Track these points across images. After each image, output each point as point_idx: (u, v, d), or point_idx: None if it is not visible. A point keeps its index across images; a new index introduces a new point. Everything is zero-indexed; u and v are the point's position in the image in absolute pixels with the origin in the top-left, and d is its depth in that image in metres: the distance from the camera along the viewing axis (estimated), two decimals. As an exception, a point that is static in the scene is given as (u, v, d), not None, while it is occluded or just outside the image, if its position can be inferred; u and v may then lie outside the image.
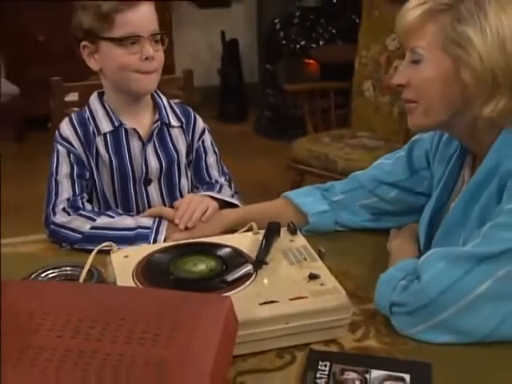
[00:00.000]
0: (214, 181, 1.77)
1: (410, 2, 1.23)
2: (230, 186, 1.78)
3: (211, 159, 1.79)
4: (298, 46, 4.38)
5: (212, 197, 1.60)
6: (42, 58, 3.99)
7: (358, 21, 3.58)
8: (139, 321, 1.00)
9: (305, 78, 4.18)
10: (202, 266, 1.24)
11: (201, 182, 1.77)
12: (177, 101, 2.68)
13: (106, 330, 0.99)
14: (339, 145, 3.17)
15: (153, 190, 1.70)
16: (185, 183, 1.75)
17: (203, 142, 1.79)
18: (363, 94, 3.42)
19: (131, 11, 1.52)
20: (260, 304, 1.14)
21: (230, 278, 1.18)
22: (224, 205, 1.62)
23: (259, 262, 1.22)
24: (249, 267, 1.20)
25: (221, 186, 1.74)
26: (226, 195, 1.68)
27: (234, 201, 1.66)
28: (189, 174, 1.77)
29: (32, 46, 4.17)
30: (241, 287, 1.17)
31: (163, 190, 1.71)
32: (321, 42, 4.34)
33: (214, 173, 1.78)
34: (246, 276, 1.19)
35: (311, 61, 4.28)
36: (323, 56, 4.18)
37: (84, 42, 1.58)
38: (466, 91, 1.19)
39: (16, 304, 1.04)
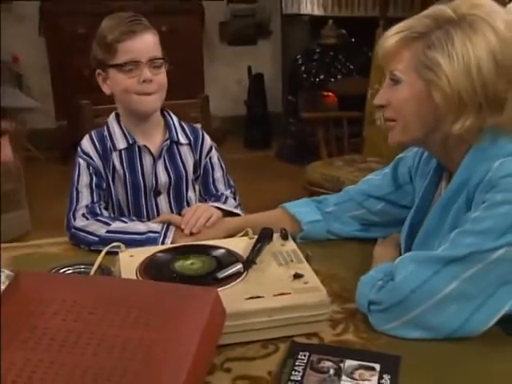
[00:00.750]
0: (220, 193, 1.79)
1: (389, 31, 1.27)
2: (234, 198, 1.80)
3: (218, 174, 1.82)
4: (317, 80, 4.42)
5: (217, 207, 1.63)
6: (85, 88, 4.13)
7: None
8: (134, 308, 1.04)
9: (323, 109, 4.20)
10: (198, 264, 1.27)
11: (208, 194, 1.80)
12: (198, 125, 2.74)
13: (104, 315, 1.03)
14: (350, 169, 3.18)
15: (162, 201, 1.73)
16: (192, 195, 1.77)
17: (210, 158, 1.81)
18: (374, 122, 3.44)
19: (131, 40, 1.59)
20: (246, 298, 1.17)
21: (221, 275, 1.21)
22: (228, 214, 1.64)
23: (249, 262, 1.25)
24: (239, 266, 1.23)
25: (226, 198, 1.76)
26: (230, 206, 1.71)
27: (237, 211, 1.68)
28: (196, 187, 1.80)
29: (78, 79, 4.30)
30: (231, 284, 1.20)
31: (171, 202, 1.74)
32: (338, 76, 4.37)
33: (221, 186, 1.81)
34: (237, 274, 1.22)
35: (329, 93, 4.31)
36: (340, 88, 4.21)
37: (98, 70, 1.65)
38: (437, 110, 1.22)
39: (28, 291, 1.09)
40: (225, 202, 1.73)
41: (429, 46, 1.20)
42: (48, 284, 1.10)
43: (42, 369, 0.95)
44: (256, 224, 1.47)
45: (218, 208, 1.62)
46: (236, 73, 4.99)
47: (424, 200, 1.38)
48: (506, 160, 1.20)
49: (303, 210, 1.57)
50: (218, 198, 1.76)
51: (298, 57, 4.55)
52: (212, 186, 1.80)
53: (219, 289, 1.17)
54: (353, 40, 4.51)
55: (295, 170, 4.08)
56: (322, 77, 4.41)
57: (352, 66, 4.36)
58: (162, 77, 1.65)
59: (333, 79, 4.38)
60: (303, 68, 4.48)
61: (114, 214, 1.70)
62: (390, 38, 1.26)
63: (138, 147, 1.70)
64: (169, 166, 1.73)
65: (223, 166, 1.85)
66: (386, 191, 1.52)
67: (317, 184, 3.20)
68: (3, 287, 1.13)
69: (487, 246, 1.14)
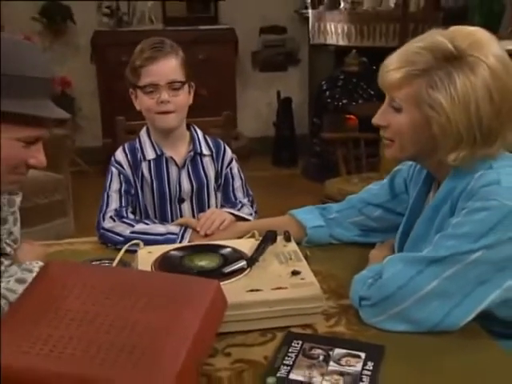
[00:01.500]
0: (238, 201, 1.81)
1: (390, 64, 1.25)
2: (251, 206, 1.82)
3: (237, 183, 1.84)
4: (340, 103, 4.44)
5: (230, 212, 1.66)
6: (128, 108, 4.23)
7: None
8: (144, 294, 1.08)
9: (345, 130, 4.21)
10: (206, 261, 1.31)
11: (228, 201, 1.82)
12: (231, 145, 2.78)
13: (118, 300, 1.07)
14: (365, 185, 3.18)
15: (185, 207, 1.77)
16: (213, 202, 1.80)
17: (231, 169, 1.84)
18: None
19: (152, 65, 1.64)
20: (247, 291, 1.20)
21: (226, 270, 1.25)
22: (241, 220, 1.67)
23: (252, 260, 1.29)
24: (243, 263, 1.27)
25: (242, 205, 1.79)
26: (244, 213, 1.73)
27: (249, 217, 1.71)
28: (218, 194, 1.82)
29: (121, 101, 4.40)
30: (235, 278, 1.24)
31: (194, 208, 1.77)
32: (360, 101, 4.39)
33: (239, 194, 1.83)
34: (241, 270, 1.26)
35: (351, 116, 4.33)
36: (361, 112, 4.22)
37: (130, 90, 1.72)
38: (434, 140, 1.23)
39: (54, 278, 1.14)
40: (240, 209, 1.75)
41: (431, 85, 1.20)
42: (71, 272, 1.15)
43: (62, 343, 1.00)
44: (265, 228, 1.49)
45: (232, 213, 1.66)
46: (266, 97, 5.03)
47: (415, 208, 1.40)
48: (486, 172, 1.22)
49: (308, 216, 1.59)
50: (233, 205, 1.78)
51: (323, 83, 4.58)
52: (232, 194, 1.83)
53: (224, 282, 1.21)
54: (374, 68, 4.53)
55: (318, 186, 4.08)
56: (344, 101, 4.43)
57: (372, 92, 4.37)
58: (180, 98, 1.68)
59: (354, 103, 4.39)
60: (328, 93, 4.51)
61: (141, 217, 1.73)
62: (392, 72, 1.24)
63: (165, 158, 1.75)
64: (192, 175, 1.76)
65: (242, 177, 1.87)
66: (384, 199, 1.55)
67: (333, 198, 3.21)
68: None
69: (466, 248, 1.16)
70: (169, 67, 1.67)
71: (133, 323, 1.03)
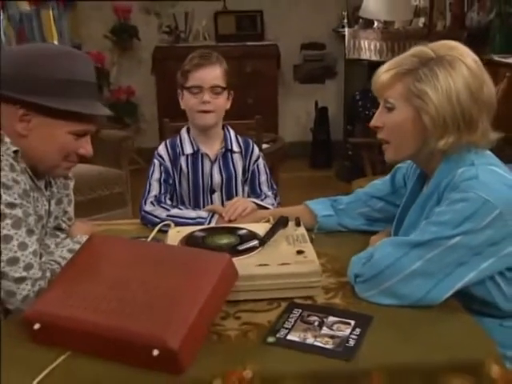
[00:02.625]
0: (263, 194, 1.87)
1: (382, 69, 1.32)
2: (274, 198, 1.87)
3: (263, 178, 1.89)
4: (371, 113, 4.43)
5: (253, 201, 1.72)
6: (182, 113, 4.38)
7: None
8: (167, 263, 1.16)
9: (375, 137, 4.22)
10: (225, 240, 1.37)
11: (254, 193, 1.87)
12: (266, 146, 2.84)
13: (146, 267, 1.15)
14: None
15: (216, 197, 1.83)
16: (240, 193, 1.85)
17: (257, 165, 1.89)
18: None
19: (198, 71, 1.74)
20: (256, 265, 1.26)
21: (241, 247, 1.32)
22: (262, 209, 1.72)
23: (263, 240, 1.34)
24: (255, 242, 1.33)
25: (266, 197, 1.84)
26: (267, 203, 1.78)
27: (270, 206, 1.76)
28: (245, 187, 1.88)
29: (177, 107, 4.52)
30: (247, 255, 1.30)
31: (223, 198, 1.83)
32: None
33: (264, 188, 1.88)
34: (253, 248, 1.32)
35: (381, 124, 4.33)
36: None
37: (178, 90, 1.81)
38: (425, 131, 1.28)
39: (97, 248, 1.23)
40: (263, 200, 1.80)
41: (417, 79, 1.26)
42: (109, 244, 1.24)
43: (98, 300, 1.10)
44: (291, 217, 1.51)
45: (255, 203, 1.71)
46: (305, 106, 5.06)
47: (408, 200, 1.44)
48: (467, 168, 1.26)
49: (320, 206, 1.63)
50: (258, 196, 1.84)
51: (357, 93, 4.58)
52: (257, 187, 1.88)
53: (238, 257, 1.27)
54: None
55: (349, 187, 4.12)
56: (374, 110, 4.41)
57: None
58: (219, 101, 1.76)
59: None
60: (360, 103, 4.51)
61: (177, 204, 1.80)
62: (384, 73, 1.31)
63: (201, 153, 1.82)
64: (222, 169, 1.83)
65: (267, 172, 1.92)
66: (386, 193, 1.58)
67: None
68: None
69: (446, 233, 1.20)
70: (213, 74, 1.75)
71: (155, 286, 1.11)
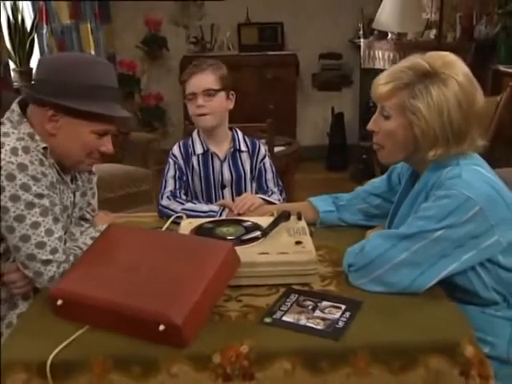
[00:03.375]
0: (269, 190, 1.90)
1: (381, 79, 1.34)
2: (280, 194, 1.90)
3: (269, 176, 1.92)
4: (384, 119, 4.45)
5: (261, 197, 1.76)
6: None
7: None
8: (175, 249, 1.22)
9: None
10: (231, 230, 1.42)
11: (261, 190, 1.91)
12: (282, 149, 2.86)
13: (157, 253, 1.21)
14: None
15: (226, 192, 1.88)
16: (249, 190, 1.90)
17: (264, 163, 1.92)
18: None
19: (191, 79, 1.79)
20: (258, 254, 1.31)
21: (244, 237, 1.36)
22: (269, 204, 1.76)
23: (265, 231, 1.39)
24: (257, 233, 1.38)
25: (272, 193, 1.88)
26: (273, 199, 1.82)
27: (276, 202, 1.80)
28: (253, 184, 1.92)
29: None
30: (250, 244, 1.35)
31: (233, 193, 1.88)
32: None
33: (271, 185, 1.92)
34: (256, 238, 1.37)
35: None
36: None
37: (185, 100, 1.86)
38: (416, 141, 1.31)
39: (112, 236, 1.30)
40: (270, 196, 1.84)
41: (412, 96, 1.28)
42: (125, 232, 1.31)
43: (111, 281, 1.17)
44: (293, 212, 1.55)
45: (262, 198, 1.76)
46: (323, 112, 5.08)
47: (401, 196, 1.47)
48: (452, 168, 1.29)
49: (322, 202, 1.66)
50: (265, 192, 1.88)
51: (371, 100, 4.56)
52: (264, 184, 1.92)
53: (242, 246, 1.32)
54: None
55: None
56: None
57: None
58: (214, 103, 1.78)
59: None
60: (373, 109, 4.51)
61: (191, 199, 1.85)
62: (383, 85, 1.33)
63: (211, 153, 1.87)
64: (231, 167, 1.88)
65: (273, 170, 1.95)
66: (382, 190, 1.61)
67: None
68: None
69: (430, 227, 1.24)
70: (204, 79, 1.78)
71: (164, 270, 1.17)
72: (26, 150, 1.30)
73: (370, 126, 1.40)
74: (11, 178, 1.26)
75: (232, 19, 4.87)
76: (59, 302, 1.17)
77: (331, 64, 5.05)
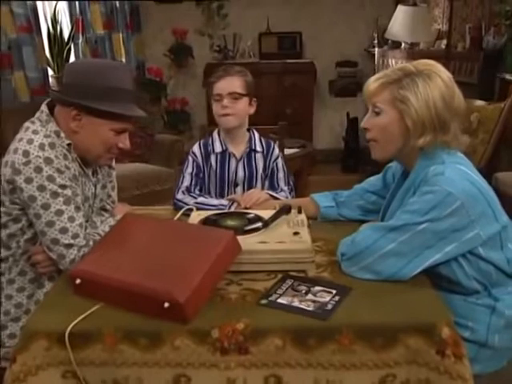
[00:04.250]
0: (280, 188, 1.95)
1: (371, 80, 1.41)
2: (290, 193, 1.95)
3: (280, 175, 1.98)
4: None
5: (270, 194, 1.81)
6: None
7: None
8: (181, 236, 1.29)
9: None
10: (235, 222, 1.48)
11: (272, 187, 1.96)
12: (296, 151, 2.89)
13: (164, 238, 1.28)
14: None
15: (239, 189, 1.93)
16: (259, 187, 1.94)
17: (276, 163, 1.97)
18: None
19: (219, 82, 1.85)
20: (257, 242, 1.37)
21: (246, 228, 1.42)
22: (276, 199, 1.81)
23: (266, 223, 1.45)
24: (259, 224, 1.43)
25: (281, 190, 1.93)
26: (281, 196, 1.86)
27: (282, 198, 1.85)
28: (265, 182, 1.97)
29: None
30: (252, 234, 1.40)
31: (245, 191, 1.92)
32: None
33: (281, 183, 1.97)
34: (257, 229, 1.42)
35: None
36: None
37: (211, 100, 1.91)
38: (407, 132, 1.36)
39: (128, 223, 1.37)
40: (278, 193, 1.89)
41: (401, 87, 1.35)
42: (138, 221, 1.38)
43: (124, 263, 1.24)
44: (294, 206, 1.60)
45: (270, 194, 1.81)
46: (338, 116, 5.11)
47: (393, 192, 1.52)
48: (438, 166, 1.34)
49: (323, 198, 1.72)
50: (275, 190, 1.93)
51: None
52: (276, 182, 1.97)
53: (244, 236, 1.37)
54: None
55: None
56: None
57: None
58: (238, 105, 1.85)
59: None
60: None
61: (205, 194, 1.92)
62: (373, 82, 1.40)
63: (229, 153, 1.93)
64: (246, 166, 1.93)
65: (285, 170, 2.00)
66: (378, 188, 1.66)
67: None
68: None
69: (415, 220, 1.28)
70: (231, 83, 1.85)
71: (171, 254, 1.24)
72: (52, 145, 1.39)
73: (363, 124, 1.44)
74: (39, 170, 1.35)
75: (253, 29, 4.94)
76: (78, 281, 1.25)
77: (347, 71, 5.07)
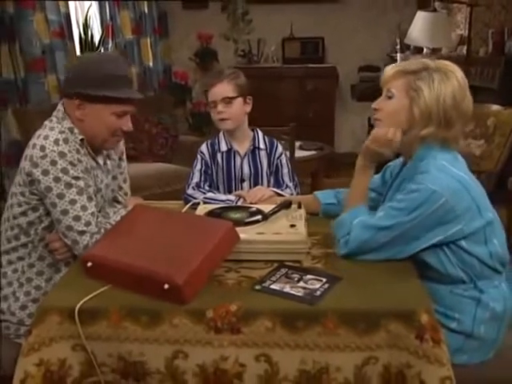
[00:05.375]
0: (285, 184, 2.03)
1: (391, 67, 1.49)
2: (294, 188, 2.03)
3: (285, 171, 2.05)
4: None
5: (274, 191, 1.90)
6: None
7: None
8: (183, 226, 1.40)
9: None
10: (237, 215, 1.57)
11: (277, 183, 2.03)
12: (313, 153, 2.94)
13: (168, 227, 1.39)
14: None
15: (245, 185, 2.02)
16: (265, 183, 2.03)
17: (280, 160, 2.05)
18: None
19: (212, 88, 1.94)
20: (256, 233, 1.46)
21: (246, 220, 1.52)
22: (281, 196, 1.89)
23: (265, 216, 1.54)
24: (259, 217, 1.53)
25: (286, 187, 2.00)
26: (287, 192, 1.95)
27: (286, 194, 1.93)
28: (270, 178, 2.05)
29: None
30: (252, 226, 1.50)
31: (251, 186, 2.01)
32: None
33: (286, 179, 2.04)
34: (257, 221, 1.51)
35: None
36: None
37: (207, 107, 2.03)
38: (412, 121, 1.43)
39: (135, 214, 1.48)
40: (283, 189, 1.98)
41: (418, 78, 1.42)
42: (146, 212, 1.49)
43: (132, 249, 1.35)
44: (294, 202, 1.68)
45: (275, 191, 1.90)
46: (360, 120, 5.14)
47: (391, 183, 1.60)
48: (426, 163, 1.41)
49: (325, 196, 1.79)
50: (280, 185, 2.01)
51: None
52: (280, 178, 2.05)
53: (245, 227, 1.47)
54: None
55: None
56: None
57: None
58: (232, 109, 1.93)
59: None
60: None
61: (213, 189, 2.02)
62: (392, 69, 1.48)
63: (233, 151, 2.03)
64: (250, 163, 2.02)
65: (289, 166, 2.08)
66: (377, 185, 1.72)
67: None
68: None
69: (403, 219, 1.37)
70: (221, 89, 1.93)
71: (174, 241, 1.34)
72: (66, 140, 1.53)
73: (374, 104, 1.51)
74: (54, 163, 1.48)
75: (277, 34, 5.05)
76: (89, 264, 1.37)
77: (369, 76, 5.10)
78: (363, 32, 5.05)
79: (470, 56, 3.85)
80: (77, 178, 1.51)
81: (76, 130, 1.56)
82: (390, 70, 1.47)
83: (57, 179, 1.48)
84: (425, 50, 4.64)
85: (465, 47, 4.44)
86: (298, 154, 3.58)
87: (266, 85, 4.97)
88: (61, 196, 1.48)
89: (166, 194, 3.60)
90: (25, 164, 1.51)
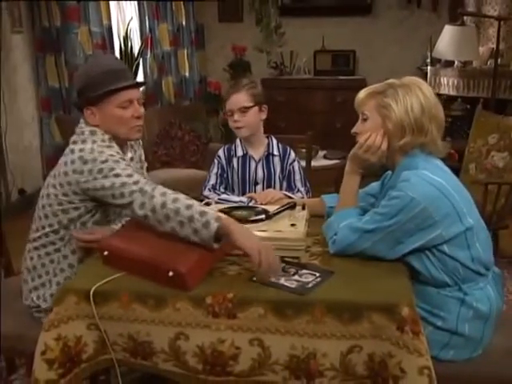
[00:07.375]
0: (296, 189, 2.13)
1: (362, 90, 1.60)
2: (306, 194, 2.13)
3: (297, 177, 2.16)
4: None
5: (285, 194, 2.01)
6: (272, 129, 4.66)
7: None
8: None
9: (448, 161, 4.26)
10: (244, 213, 1.69)
11: (289, 188, 2.13)
12: (336, 161, 3.03)
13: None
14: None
15: (259, 188, 2.13)
16: (278, 187, 2.14)
17: (293, 166, 2.16)
18: (468, 171, 3.49)
19: (230, 98, 2.07)
20: (258, 231, 1.57)
21: (251, 218, 1.63)
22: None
23: (269, 215, 1.65)
24: (262, 216, 1.64)
25: (297, 191, 2.11)
26: (296, 196, 2.05)
27: (294, 196, 2.03)
28: (283, 183, 2.16)
29: (269, 127, 4.90)
30: (256, 224, 1.61)
31: (264, 189, 2.11)
32: (460, 140, 4.43)
33: (298, 184, 2.14)
34: (261, 220, 1.63)
35: (452, 151, 4.37)
36: (461, 148, 4.26)
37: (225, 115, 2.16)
38: (389, 134, 1.54)
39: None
40: (294, 193, 2.08)
41: (385, 96, 1.53)
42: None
43: (144, 241, 1.50)
44: (301, 204, 1.79)
45: (285, 194, 2.01)
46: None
47: (384, 190, 1.69)
48: (408, 172, 1.49)
49: (330, 199, 1.87)
50: (292, 190, 2.12)
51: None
52: (293, 183, 2.16)
53: (249, 225, 1.58)
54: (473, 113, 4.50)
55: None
56: (448, 139, 4.47)
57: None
58: (247, 118, 2.05)
59: (457, 141, 4.43)
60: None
61: (228, 191, 2.15)
62: (363, 93, 1.60)
63: (248, 156, 2.15)
64: (264, 168, 2.14)
65: (301, 173, 2.18)
66: (376, 191, 1.81)
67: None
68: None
69: (385, 223, 1.46)
70: (238, 99, 2.06)
71: (173, 241, 1.46)
72: (94, 142, 1.67)
73: (353, 129, 1.63)
74: (94, 161, 1.58)
75: (309, 47, 5.18)
76: (105, 253, 1.52)
77: (397, 88, 5.18)
78: (394, 45, 5.12)
79: (497, 69, 3.88)
80: (117, 162, 1.58)
81: (99, 131, 1.70)
82: (360, 94, 1.59)
83: (100, 170, 1.56)
84: (456, 63, 4.67)
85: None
86: (322, 162, 3.71)
87: (296, 96, 5.12)
88: (116, 174, 1.55)
89: (194, 198, 3.76)
90: (66, 169, 1.61)
